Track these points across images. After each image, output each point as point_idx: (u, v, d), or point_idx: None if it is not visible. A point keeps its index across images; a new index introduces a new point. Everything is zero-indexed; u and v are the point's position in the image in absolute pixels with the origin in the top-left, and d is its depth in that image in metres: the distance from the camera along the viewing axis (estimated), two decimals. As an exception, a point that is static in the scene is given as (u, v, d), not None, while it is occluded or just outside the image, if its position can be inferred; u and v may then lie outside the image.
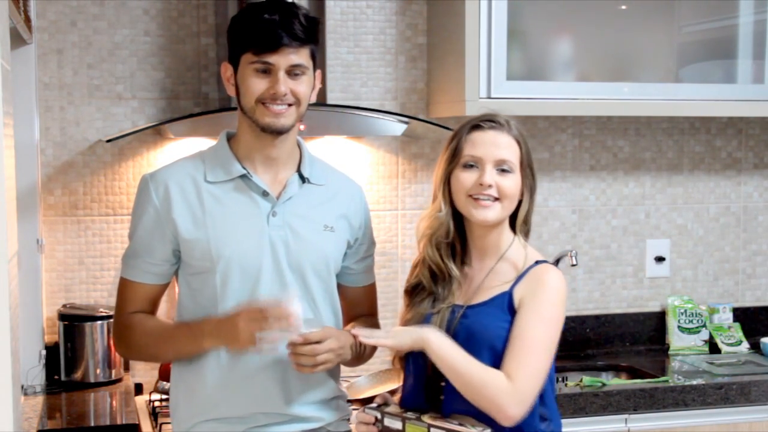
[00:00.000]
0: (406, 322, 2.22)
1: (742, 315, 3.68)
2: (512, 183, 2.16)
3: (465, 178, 2.16)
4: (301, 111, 2.17)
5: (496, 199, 2.15)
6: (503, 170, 2.15)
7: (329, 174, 2.31)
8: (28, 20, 2.76)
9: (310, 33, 2.14)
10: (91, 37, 3.14)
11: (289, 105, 2.13)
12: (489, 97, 3.08)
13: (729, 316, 3.63)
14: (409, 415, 2.09)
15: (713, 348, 3.56)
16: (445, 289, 2.20)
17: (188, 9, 3.20)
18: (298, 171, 2.24)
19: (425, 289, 2.22)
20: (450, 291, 2.19)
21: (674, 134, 3.66)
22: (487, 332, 2.10)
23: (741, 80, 3.39)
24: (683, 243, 3.69)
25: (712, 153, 3.69)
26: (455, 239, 2.23)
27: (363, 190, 2.39)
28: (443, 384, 2.12)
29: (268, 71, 2.12)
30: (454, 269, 2.20)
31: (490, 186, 2.13)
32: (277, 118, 2.13)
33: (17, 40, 2.82)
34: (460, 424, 2.04)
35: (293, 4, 2.16)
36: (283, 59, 2.10)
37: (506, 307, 2.12)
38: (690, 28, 3.41)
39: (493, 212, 2.15)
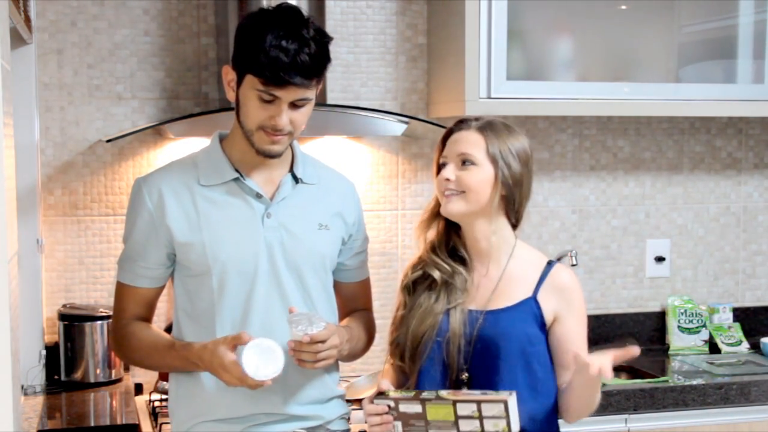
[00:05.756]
0: (407, 316, 2.20)
1: (742, 315, 3.68)
2: (473, 175, 2.15)
3: (437, 180, 2.22)
4: (294, 137, 2.16)
5: (462, 192, 2.16)
6: (466, 163, 2.17)
7: (321, 172, 2.32)
8: (28, 20, 2.76)
9: (320, 66, 2.09)
10: (91, 37, 3.14)
11: (285, 134, 2.12)
12: (489, 97, 3.07)
13: (729, 316, 3.63)
14: (427, 395, 2.03)
15: (713, 348, 3.55)
16: (449, 290, 2.19)
17: (188, 9, 3.20)
18: (291, 171, 2.24)
19: (430, 286, 2.21)
20: (454, 291, 2.19)
21: (674, 134, 3.66)
22: (517, 337, 2.15)
23: (741, 80, 3.38)
24: (683, 243, 3.69)
25: (712, 153, 3.69)
26: (453, 242, 2.24)
27: (355, 185, 2.39)
28: (465, 375, 2.13)
29: (272, 101, 2.08)
30: (460, 269, 2.20)
31: (447, 180, 2.17)
32: (273, 145, 2.13)
33: (17, 40, 2.82)
34: (484, 393, 2.02)
35: (305, 23, 2.08)
36: (290, 94, 2.07)
37: (533, 313, 2.17)
38: (690, 28, 3.41)
39: (455, 205, 2.17)
